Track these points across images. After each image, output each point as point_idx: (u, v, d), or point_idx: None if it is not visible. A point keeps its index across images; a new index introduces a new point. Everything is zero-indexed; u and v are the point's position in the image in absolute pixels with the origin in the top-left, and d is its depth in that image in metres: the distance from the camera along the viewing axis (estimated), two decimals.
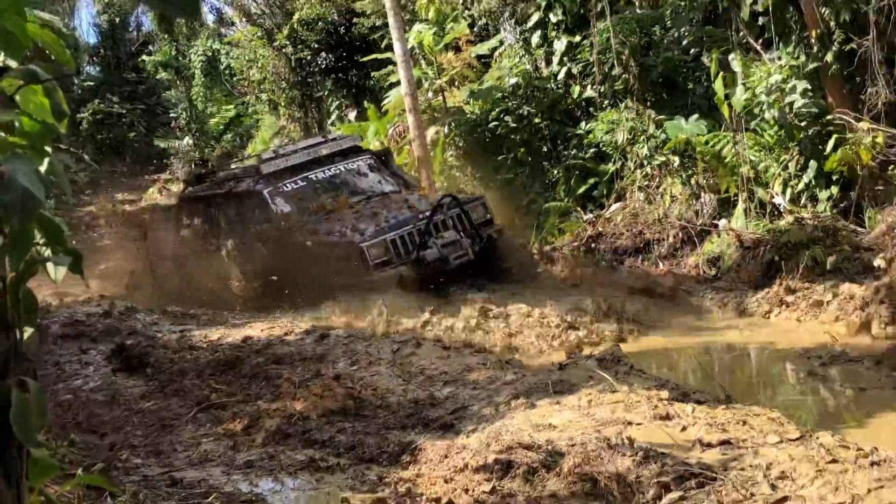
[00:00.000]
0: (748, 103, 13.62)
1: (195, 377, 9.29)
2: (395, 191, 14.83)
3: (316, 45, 19.29)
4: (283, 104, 19.45)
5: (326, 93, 21.02)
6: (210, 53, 29.02)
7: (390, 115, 17.82)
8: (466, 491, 5.91)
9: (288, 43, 18.79)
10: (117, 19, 36.62)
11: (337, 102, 21.13)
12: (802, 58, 13.33)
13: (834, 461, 5.40)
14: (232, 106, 28.20)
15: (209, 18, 34.05)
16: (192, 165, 17.32)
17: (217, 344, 10.36)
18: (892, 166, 12.38)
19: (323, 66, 19.87)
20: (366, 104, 19.49)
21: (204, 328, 11.54)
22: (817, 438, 5.85)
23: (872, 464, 5.29)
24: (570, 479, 5.67)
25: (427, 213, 13.31)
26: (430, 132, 16.30)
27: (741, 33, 14.50)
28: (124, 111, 32.01)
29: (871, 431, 7.50)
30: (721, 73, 14.09)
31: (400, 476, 6.38)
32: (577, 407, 7.03)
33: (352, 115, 20.56)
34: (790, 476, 5.31)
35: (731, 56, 14.11)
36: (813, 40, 13.17)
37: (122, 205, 24.57)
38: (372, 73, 19.07)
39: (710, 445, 5.93)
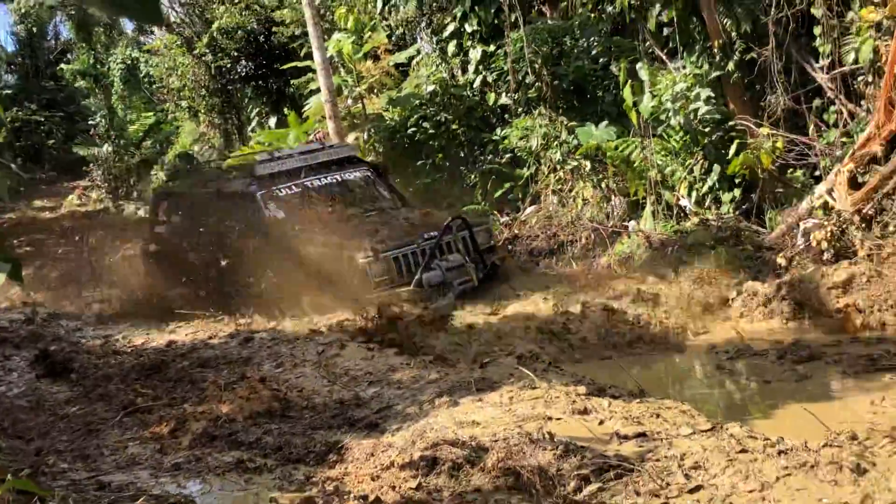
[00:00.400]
0: (655, 110, 14.01)
1: (120, 382, 9.35)
2: (392, 207, 14.22)
3: (236, 53, 19.34)
4: (203, 111, 19.42)
5: (246, 100, 21.04)
6: (129, 61, 28.76)
7: (310, 122, 17.93)
8: (393, 488, 6.07)
9: (208, 51, 18.80)
10: (35, 28, 36.06)
11: (257, 109, 21.17)
12: (706, 66, 13.79)
13: (744, 451, 5.71)
14: (151, 113, 27.97)
15: (128, 27, 33.83)
16: (176, 159, 16.72)
17: (141, 349, 10.44)
18: (790, 170, 12.88)
19: (243, 74, 19.90)
20: (286, 111, 19.57)
21: (128, 333, 11.59)
22: (727, 430, 6.18)
23: (780, 452, 5.60)
24: (494, 474, 5.88)
25: (432, 234, 12.65)
26: (350, 138, 16.49)
27: (647, 43, 14.93)
28: (43, 119, 31.53)
29: (775, 422, 7.84)
30: (629, 82, 14.53)
31: (327, 475, 6.52)
32: (499, 404, 7.28)
33: (272, 121, 20.61)
34: (703, 466, 5.60)
35: (638, 65, 14.54)
36: (715, 50, 13.64)
37: (42, 212, 24.32)
38: (292, 81, 19.16)
39: (626, 438, 6.22)
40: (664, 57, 14.63)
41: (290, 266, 12.31)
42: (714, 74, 13.66)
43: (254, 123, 21.20)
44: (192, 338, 10.91)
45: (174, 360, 9.78)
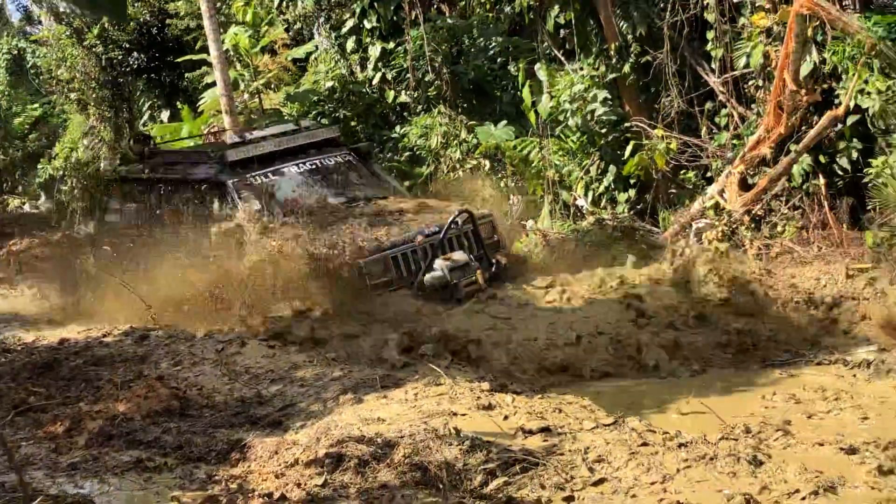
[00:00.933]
0: (553, 111, 14.22)
1: (10, 380, 9.07)
2: (379, 196, 12.84)
3: (128, 45, 18.88)
4: (92, 104, 18.91)
5: (138, 93, 20.60)
6: (15, 52, 27.82)
7: (205, 116, 17.66)
8: (298, 485, 6.05)
9: (98, 42, 18.34)
10: None
11: (149, 103, 20.74)
12: (602, 68, 14.03)
13: (645, 444, 5.87)
14: (38, 105, 27.13)
15: (15, 16, 32.71)
16: (132, 141, 15.28)
17: (32, 346, 10.13)
18: (683, 171, 13.20)
19: (135, 67, 19.44)
20: (179, 105, 19.23)
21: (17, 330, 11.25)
22: (628, 424, 6.33)
23: (680, 446, 5.78)
24: (401, 469, 5.92)
25: (432, 229, 11.46)
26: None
27: (545, 44, 15.12)
28: None
29: (668, 416, 8.03)
30: (528, 82, 14.72)
31: (230, 473, 6.47)
32: (404, 400, 7.31)
33: (164, 115, 20.22)
34: (606, 459, 5.75)
35: (536, 66, 14.73)
36: (612, 52, 13.89)
37: None
38: (186, 74, 18.83)
39: (531, 433, 6.33)
40: (562, 58, 14.83)
41: (270, 266, 10.95)
42: (610, 76, 13.90)
43: (145, 117, 20.80)
44: (85, 335, 10.62)
45: (67, 358, 9.52)
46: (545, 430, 6.36)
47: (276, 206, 11.99)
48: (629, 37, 13.79)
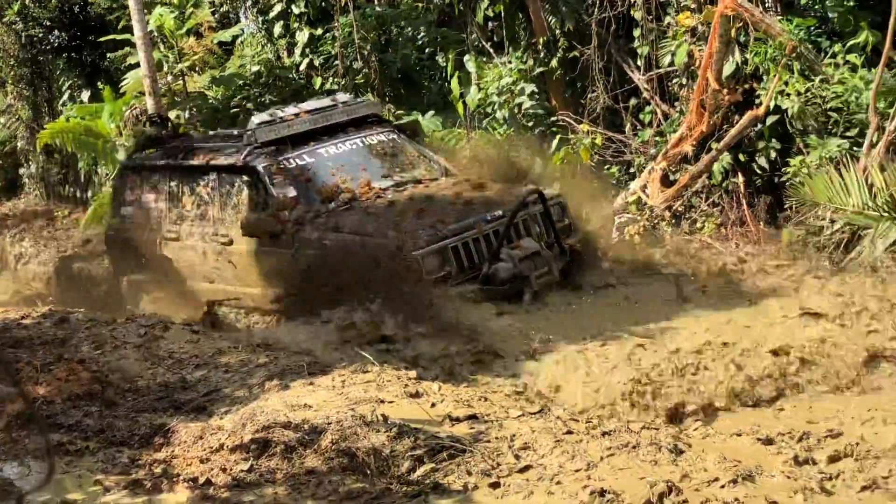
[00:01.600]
0: (481, 102, 14.31)
1: None
2: (432, 178, 11.42)
3: (48, 23, 18.51)
4: (10, 82, 18.50)
5: (58, 72, 20.17)
6: None
7: (127, 98, 17.37)
8: (224, 470, 6.06)
9: (18, 19, 17.94)
10: None
11: (70, 82, 20.32)
12: (530, 62, 14.16)
13: (570, 432, 5.99)
14: None
15: None
16: (145, 124, 13.78)
17: None
18: (607, 166, 13.40)
19: (56, 45, 19.05)
20: (100, 85, 18.88)
21: None
22: (554, 412, 6.45)
23: (604, 434, 5.91)
24: (329, 455, 5.95)
25: (497, 214, 10.12)
26: (171, 116, 16.08)
27: (474, 36, 15.22)
28: None
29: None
30: (456, 73, 14.79)
31: (154, 458, 6.43)
32: (331, 387, 7.32)
33: (85, 95, 19.83)
34: (532, 447, 5.84)
35: (465, 57, 14.81)
36: (540, 46, 14.04)
37: None
38: (108, 54, 18.52)
39: (458, 420, 6.40)
40: (491, 51, 14.93)
41: (315, 262, 9.90)
42: (538, 70, 14.03)
43: (65, 97, 20.39)
44: (2, 317, 10.42)
45: None
46: (472, 417, 6.44)
47: (314, 193, 10.77)
48: (557, 32, 13.94)
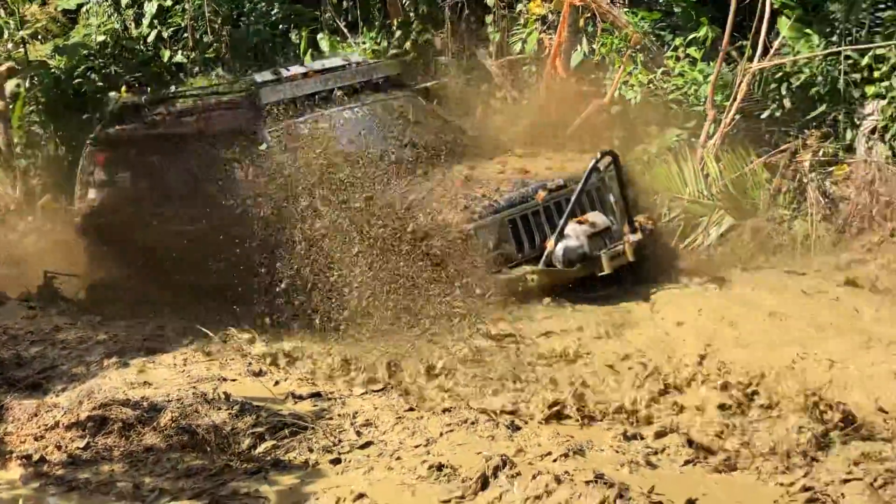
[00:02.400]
0: None
1: None
2: (461, 144, 10.07)
3: None
4: None
5: None
6: None
7: None
8: (59, 447, 5.98)
9: None
10: None
11: None
12: (385, 43, 14.19)
13: (411, 409, 6.11)
14: None
15: None
16: (123, 90, 12.14)
17: None
18: None
19: None
20: None
21: None
22: (396, 390, 6.53)
23: (444, 411, 6.05)
24: (168, 433, 5.92)
25: (558, 182, 8.80)
26: (10, 85, 15.43)
27: (328, 15, 15.14)
28: None
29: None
30: (309, 51, 14.67)
31: None
32: (172, 365, 7.25)
33: None
34: (374, 423, 5.94)
35: (319, 35, 14.73)
36: (394, 28, 14.08)
37: None
38: None
39: (301, 398, 6.44)
40: (345, 30, 14.87)
41: (346, 246, 8.00)
42: (392, 52, 14.06)
43: None
44: None
45: None
46: (315, 395, 6.48)
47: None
48: (412, 14, 14.00)
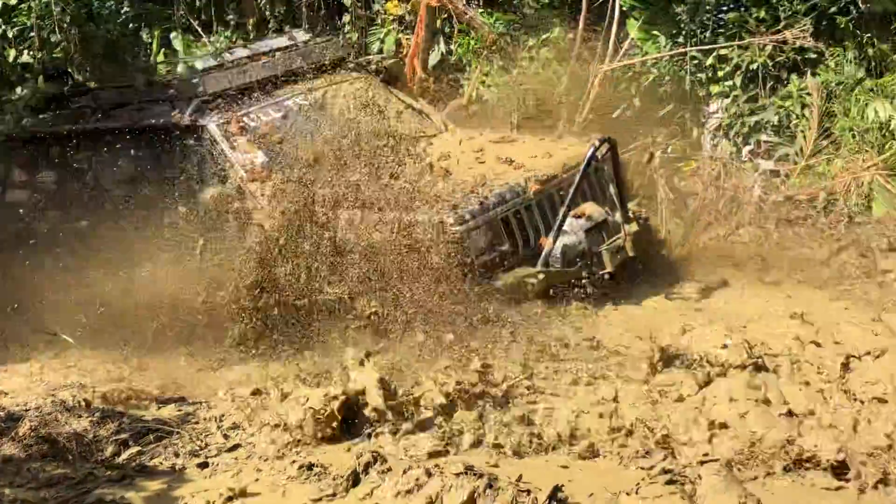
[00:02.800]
0: None
1: None
2: (432, 134, 9.25)
3: None
4: None
5: None
6: None
7: None
8: None
9: None
10: None
11: None
12: (240, 42, 14.01)
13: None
14: None
15: None
16: (42, 78, 10.94)
17: None
18: None
19: None
20: None
21: None
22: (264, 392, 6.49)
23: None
24: (28, 443, 5.77)
25: (549, 173, 8.04)
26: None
27: (181, 13, 14.86)
28: None
29: None
30: (163, 51, 14.38)
31: None
32: (28, 374, 7.06)
33: None
34: (241, 426, 5.90)
35: (172, 34, 14.44)
36: (250, 27, 13.93)
37: None
38: None
39: (165, 402, 6.36)
40: (199, 29, 14.63)
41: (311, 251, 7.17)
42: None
43: None
44: None
45: None
46: (180, 399, 6.41)
47: (286, 158, 8.15)
48: (267, 13, 13.88)
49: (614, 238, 7.88)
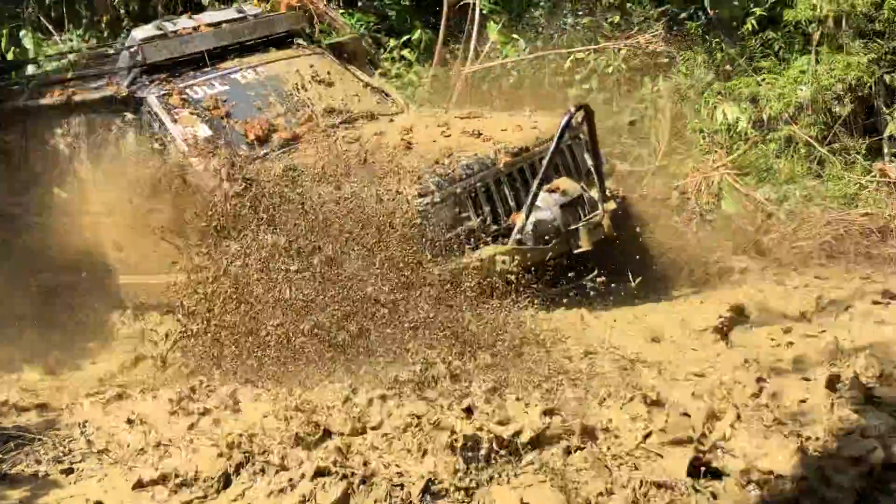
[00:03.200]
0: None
1: None
2: (391, 113, 8.70)
3: None
4: None
5: None
6: None
7: None
8: None
9: None
10: None
11: None
12: (93, 41, 13.70)
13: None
14: None
15: None
16: None
17: None
18: None
19: None
20: None
21: None
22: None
23: (187, 414, 5.88)
24: None
25: (519, 146, 7.47)
26: None
27: (31, 10, 14.42)
28: None
29: None
30: (13, 49, 13.91)
31: None
32: None
33: None
34: (106, 430, 5.77)
35: (22, 32, 13.99)
36: (103, 25, 13.62)
37: None
38: None
39: (26, 409, 6.20)
40: (50, 27, 14.22)
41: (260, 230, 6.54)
42: (101, 49, 13.58)
43: None
44: None
45: None
46: (41, 406, 6.27)
47: (237, 132, 7.63)
48: (122, 11, 13.59)
49: (591, 215, 7.46)
